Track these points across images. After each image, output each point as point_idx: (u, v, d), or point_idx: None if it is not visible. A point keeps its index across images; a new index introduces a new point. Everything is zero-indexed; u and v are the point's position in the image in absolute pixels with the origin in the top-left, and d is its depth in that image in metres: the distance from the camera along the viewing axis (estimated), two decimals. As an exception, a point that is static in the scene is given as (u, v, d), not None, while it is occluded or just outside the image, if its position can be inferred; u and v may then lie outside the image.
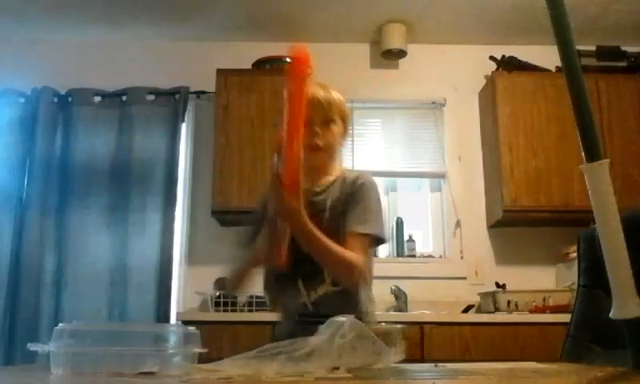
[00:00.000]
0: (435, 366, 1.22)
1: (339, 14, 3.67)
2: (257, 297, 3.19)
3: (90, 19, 3.72)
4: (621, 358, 1.03)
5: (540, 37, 3.50)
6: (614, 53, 3.67)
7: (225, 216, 3.48)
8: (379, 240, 1.64)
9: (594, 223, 0.96)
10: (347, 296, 1.61)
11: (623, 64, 3.66)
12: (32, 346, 0.90)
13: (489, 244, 3.72)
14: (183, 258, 3.66)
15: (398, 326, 1.13)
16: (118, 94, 3.77)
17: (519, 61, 3.69)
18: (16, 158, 3.65)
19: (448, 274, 3.66)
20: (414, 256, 3.68)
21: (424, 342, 2.93)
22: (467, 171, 3.82)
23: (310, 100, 1.56)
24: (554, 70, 3.60)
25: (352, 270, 1.53)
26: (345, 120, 1.71)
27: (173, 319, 3.44)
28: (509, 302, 3.19)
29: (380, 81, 3.91)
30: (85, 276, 3.47)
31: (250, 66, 3.67)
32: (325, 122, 1.64)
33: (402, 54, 3.83)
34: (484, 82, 3.82)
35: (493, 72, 3.69)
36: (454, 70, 3.94)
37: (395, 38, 3.77)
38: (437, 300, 3.47)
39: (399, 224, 3.71)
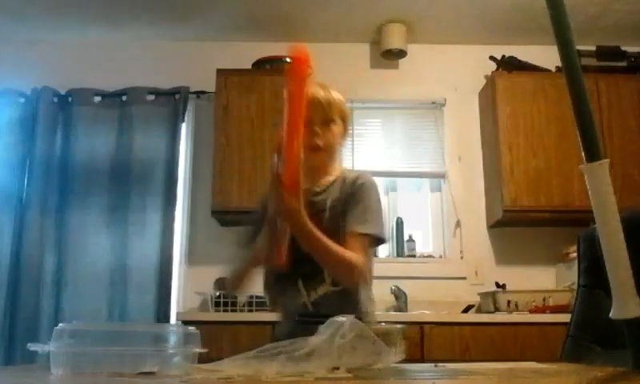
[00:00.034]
0: (435, 365, 1.22)
1: (339, 14, 3.67)
2: (257, 297, 3.19)
3: (90, 19, 3.72)
4: (621, 358, 1.03)
5: (540, 37, 3.50)
6: (614, 53, 3.67)
7: (225, 216, 3.48)
8: (379, 240, 1.64)
9: (594, 223, 0.96)
10: (347, 296, 1.61)
11: (623, 64, 3.66)
12: (32, 346, 0.90)
13: (489, 244, 3.72)
14: (183, 258, 3.66)
15: (398, 326, 1.13)
16: (118, 94, 3.77)
17: (519, 61, 3.69)
18: (16, 158, 3.65)
19: (448, 273, 3.66)
20: (414, 256, 3.68)
21: (424, 341, 2.93)
22: (467, 171, 3.82)
23: (310, 100, 1.56)
24: (554, 70, 3.60)
25: (352, 270, 1.53)
26: (345, 120, 1.71)
27: (173, 319, 3.44)
28: (509, 302, 3.19)
29: (380, 81, 3.91)
30: (85, 276, 3.47)
31: (250, 66, 3.67)
32: (325, 121, 1.64)
33: (401, 53, 3.83)
34: (484, 81, 3.82)
35: (493, 72, 3.70)
36: (454, 70, 3.94)
37: (395, 38, 3.77)
38: (437, 300, 3.47)
39: (399, 224, 3.72)
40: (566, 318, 1.74)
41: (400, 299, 3.39)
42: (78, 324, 0.93)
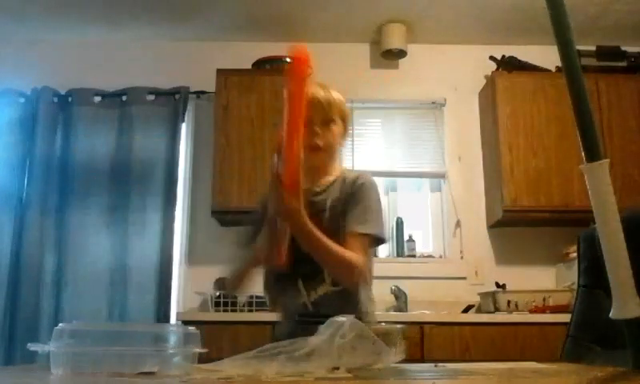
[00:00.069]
0: (435, 365, 1.22)
1: (339, 14, 3.67)
2: (257, 297, 3.19)
3: (90, 19, 3.72)
4: (621, 358, 1.03)
5: (540, 37, 3.50)
6: (614, 53, 3.67)
7: (225, 216, 3.48)
8: (379, 240, 1.64)
9: (594, 223, 0.96)
10: (347, 296, 1.61)
11: (623, 64, 3.66)
12: (32, 346, 0.90)
13: (489, 244, 3.72)
14: (183, 258, 3.66)
15: (398, 326, 1.13)
16: (118, 94, 3.77)
17: (519, 61, 3.69)
18: (16, 158, 3.65)
19: (448, 273, 3.66)
20: (414, 256, 3.68)
21: (424, 342, 2.93)
22: (467, 171, 3.82)
23: (310, 100, 1.56)
24: (554, 70, 3.60)
25: (352, 270, 1.53)
26: (345, 120, 1.71)
27: (173, 319, 3.44)
28: (509, 302, 3.19)
29: (380, 81, 3.91)
30: (85, 276, 3.47)
31: (250, 66, 3.67)
32: (325, 121, 1.64)
33: (401, 53, 3.83)
34: (484, 81, 3.82)
35: (493, 72, 3.70)
36: (454, 70, 3.94)
37: (395, 38, 3.77)
38: (437, 300, 3.47)
39: (399, 224, 3.71)
40: (566, 318, 1.74)
41: (400, 299, 3.39)
42: (78, 324, 0.93)
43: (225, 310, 3.17)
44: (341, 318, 1.00)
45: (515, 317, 3.06)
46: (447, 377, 1.03)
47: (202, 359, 0.97)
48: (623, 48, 3.70)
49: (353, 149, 3.81)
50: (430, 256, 3.76)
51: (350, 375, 0.90)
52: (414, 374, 1.06)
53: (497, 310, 3.20)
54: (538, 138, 3.50)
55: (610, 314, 0.95)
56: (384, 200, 3.80)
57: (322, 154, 1.65)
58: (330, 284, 1.60)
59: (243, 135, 3.48)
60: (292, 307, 1.67)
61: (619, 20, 3.67)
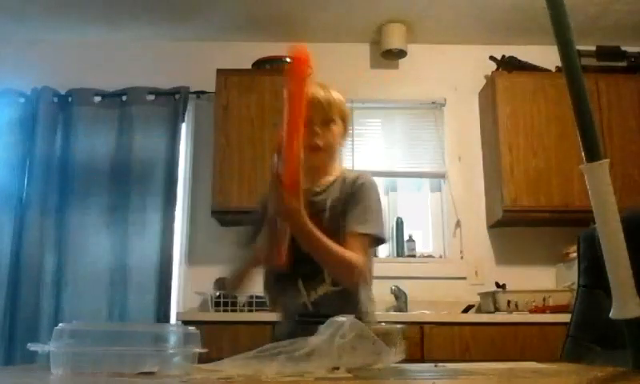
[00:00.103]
0: (435, 365, 1.22)
1: (339, 14, 3.67)
2: (257, 297, 3.19)
3: (90, 19, 3.72)
4: (621, 358, 1.03)
5: (540, 37, 3.50)
6: (614, 53, 3.67)
7: (225, 216, 3.48)
8: (379, 240, 1.64)
9: (594, 223, 0.96)
10: (347, 296, 1.61)
11: (623, 64, 3.66)
12: (32, 346, 0.90)
13: (489, 244, 3.72)
14: (183, 258, 3.66)
15: (398, 326, 1.13)
16: (118, 94, 3.77)
17: (519, 61, 3.69)
18: (16, 158, 3.65)
19: (448, 273, 3.66)
20: (414, 256, 3.68)
21: (424, 342, 2.93)
22: (467, 171, 3.81)
23: (310, 100, 1.56)
24: (554, 70, 3.60)
25: (352, 270, 1.53)
26: (345, 120, 1.71)
27: (173, 319, 3.44)
28: (509, 302, 3.19)
29: (380, 81, 3.91)
30: (85, 276, 3.47)
31: (250, 66, 3.67)
32: (325, 122, 1.64)
33: (401, 53, 3.83)
34: (484, 81, 3.82)
35: (493, 72, 3.69)
36: (454, 70, 3.94)
37: (395, 38, 3.77)
38: (437, 300, 3.47)
39: (399, 224, 3.71)
40: (566, 318, 1.74)
41: (400, 299, 3.39)
42: (78, 324, 0.93)
43: (225, 310, 3.17)
44: (341, 318, 1.00)
45: (515, 317, 3.06)
46: (447, 377, 1.03)
47: (202, 359, 0.97)
48: (623, 48, 3.70)
49: (353, 149, 3.81)
50: (430, 256, 3.76)
51: (349, 375, 0.90)
52: (414, 373, 1.06)
53: (497, 309, 3.20)
54: (538, 138, 3.50)
55: (610, 314, 0.95)
56: (384, 200, 3.80)
57: (321, 154, 1.65)
58: (329, 284, 1.60)
59: (243, 135, 3.48)
60: (292, 307, 1.67)
61: (619, 20, 3.67)
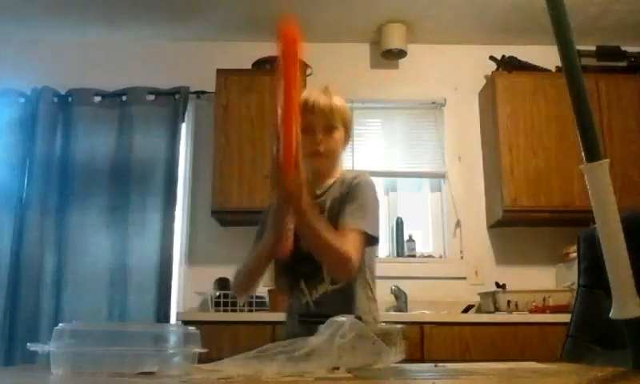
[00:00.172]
0: (435, 365, 1.22)
1: (339, 14, 3.67)
2: (257, 297, 3.19)
3: (90, 19, 3.72)
4: (621, 358, 1.04)
5: (540, 37, 3.50)
6: (614, 53, 3.67)
7: (225, 216, 3.49)
8: (373, 238, 1.64)
9: (594, 223, 0.96)
10: (346, 294, 1.62)
11: (623, 64, 3.66)
12: (32, 346, 0.90)
13: (489, 244, 3.72)
14: (183, 258, 3.65)
15: (398, 326, 1.13)
16: (118, 94, 3.77)
17: (519, 61, 3.69)
18: (16, 158, 3.65)
19: (448, 273, 3.66)
20: (414, 256, 3.68)
21: (424, 342, 2.93)
22: (467, 171, 3.81)
23: (312, 107, 1.60)
24: (554, 70, 3.60)
25: (345, 263, 1.52)
26: (347, 126, 1.73)
27: (173, 319, 3.44)
28: (509, 302, 3.18)
29: (380, 81, 3.91)
30: (85, 276, 3.47)
31: (250, 66, 3.67)
32: (327, 128, 1.66)
33: (401, 53, 3.83)
34: (484, 81, 3.82)
35: (493, 72, 3.69)
36: (454, 70, 3.94)
37: (395, 38, 3.77)
38: (437, 300, 3.47)
39: (399, 224, 3.71)
40: (566, 318, 1.74)
41: (400, 299, 3.39)
42: (78, 324, 0.93)
43: (225, 310, 3.17)
44: (341, 318, 1.00)
45: (515, 317, 3.06)
46: (447, 377, 1.03)
47: (202, 359, 0.97)
48: (623, 48, 3.70)
49: (353, 149, 3.81)
50: (430, 256, 3.76)
51: (349, 375, 0.90)
52: (414, 373, 1.06)
53: (497, 309, 3.20)
54: (538, 138, 3.50)
55: (610, 314, 0.95)
56: (384, 200, 3.81)
57: (323, 159, 1.67)
58: (329, 283, 1.62)
59: (243, 135, 3.48)
60: (295, 307, 1.69)
61: (619, 20, 3.67)
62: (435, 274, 3.64)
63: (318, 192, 1.70)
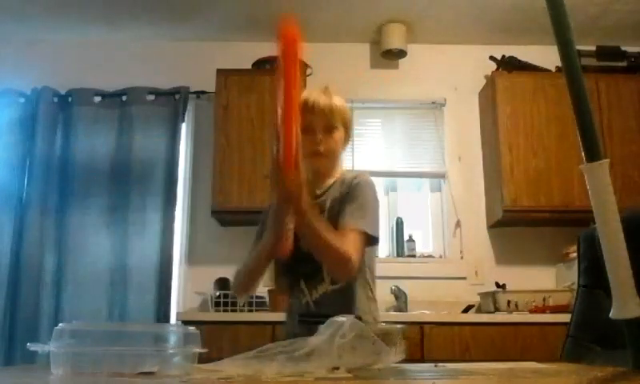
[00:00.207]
0: (435, 365, 1.22)
1: (339, 14, 3.67)
2: (257, 297, 3.19)
3: (90, 19, 3.72)
4: (621, 358, 1.03)
5: (540, 37, 3.50)
6: (614, 53, 3.67)
7: (225, 216, 3.48)
8: (373, 238, 1.64)
9: (594, 223, 0.96)
10: (346, 294, 1.62)
11: (623, 64, 3.66)
12: (32, 346, 0.90)
13: (489, 244, 3.72)
14: (183, 258, 3.65)
15: (398, 326, 1.13)
16: (118, 94, 3.77)
17: (519, 61, 3.69)
18: (16, 158, 3.65)
19: (448, 273, 3.66)
20: (414, 256, 3.68)
21: (424, 342, 2.93)
22: (467, 171, 3.81)
23: (312, 107, 1.60)
24: (554, 70, 3.60)
25: (345, 263, 1.52)
26: (347, 126, 1.73)
27: (173, 319, 3.44)
28: (509, 302, 3.18)
29: (380, 81, 3.91)
30: (85, 276, 3.47)
31: (250, 66, 3.67)
32: (327, 128, 1.66)
33: (401, 53, 3.83)
34: (484, 81, 3.82)
35: (493, 72, 3.69)
36: (454, 70, 3.94)
37: (395, 38, 3.77)
38: (437, 300, 3.47)
39: (399, 224, 3.71)
40: (566, 318, 1.74)
41: (400, 299, 3.39)
42: (78, 324, 0.93)
43: (225, 310, 3.16)
44: (341, 318, 1.00)
45: (515, 317, 3.06)
46: (447, 377, 1.03)
47: (202, 359, 0.97)
48: (623, 48, 3.70)
49: (353, 149, 3.81)
50: (430, 256, 3.76)
51: (349, 375, 0.90)
52: (414, 373, 1.06)
53: (497, 309, 3.20)
54: (538, 138, 3.50)
55: (610, 314, 0.95)
56: (384, 200, 3.81)
57: (323, 159, 1.68)
58: (329, 283, 1.63)
59: (243, 135, 3.48)
60: (295, 307, 1.69)
61: (619, 20, 3.67)
62: (435, 274, 3.64)
63: (318, 192, 1.70)
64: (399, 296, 3.39)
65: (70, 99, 3.76)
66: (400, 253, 3.68)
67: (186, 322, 2.94)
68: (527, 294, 3.20)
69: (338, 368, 0.93)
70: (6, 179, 3.62)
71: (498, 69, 3.69)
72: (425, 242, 3.81)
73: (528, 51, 3.73)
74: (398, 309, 3.36)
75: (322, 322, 1.02)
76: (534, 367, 1.20)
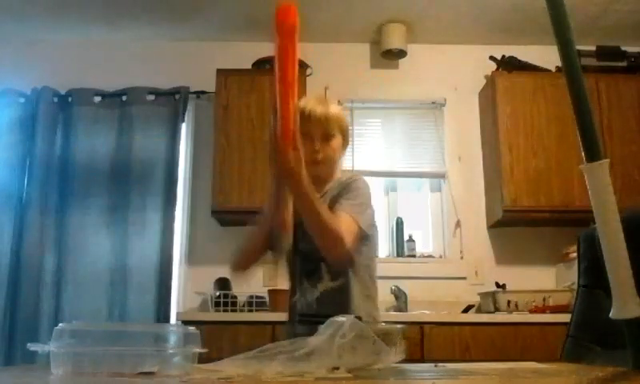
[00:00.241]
0: (435, 365, 1.22)
1: (339, 14, 3.67)
2: (257, 297, 3.19)
3: (90, 19, 3.72)
4: (621, 358, 1.03)
5: (540, 37, 3.50)
6: (614, 53, 3.67)
7: (225, 216, 3.48)
8: (363, 232, 1.64)
9: (594, 223, 0.96)
10: (346, 293, 1.64)
11: (623, 64, 3.66)
12: (32, 346, 0.90)
13: (489, 244, 3.72)
14: (183, 258, 3.65)
15: (398, 326, 1.13)
16: (118, 94, 3.77)
17: (519, 61, 3.69)
18: (16, 158, 3.65)
19: (448, 273, 3.66)
20: (414, 256, 3.68)
21: (424, 342, 2.93)
22: (467, 171, 3.81)
23: (309, 116, 1.63)
24: (554, 70, 3.60)
25: (338, 241, 1.52)
26: (344, 133, 1.76)
27: (173, 319, 3.44)
28: (509, 302, 3.18)
29: (380, 81, 3.91)
30: (85, 276, 3.47)
31: (250, 66, 3.67)
32: (324, 136, 1.69)
33: (401, 53, 3.83)
34: (484, 81, 3.82)
35: (493, 72, 3.69)
36: (454, 70, 3.94)
37: (395, 38, 3.77)
38: (437, 300, 3.47)
39: (399, 224, 3.71)
40: (566, 318, 1.74)
41: (400, 299, 3.39)
42: (78, 324, 0.93)
43: (225, 310, 3.17)
44: (341, 318, 1.00)
45: (515, 317, 3.06)
46: (447, 377, 1.03)
47: (202, 359, 0.97)
48: (623, 48, 3.70)
49: (353, 149, 3.80)
50: (430, 256, 3.76)
51: (349, 375, 0.90)
52: (413, 374, 1.06)
53: (497, 309, 3.20)
54: (538, 138, 3.50)
55: (610, 314, 0.95)
56: (384, 200, 3.81)
57: (322, 166, 1.70)
58: (328, 279, 1.64)
59: (243, 135, 3.48)
60: (296, 307, 1.71)
61: (619, 20, 3.67)
62: (435, 274, 3.64)
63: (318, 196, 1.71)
64: (399, 296, 3.39)
65: (70, 99, 3.76)
66: (400, 253, 3.68)
67: (186, 322, 2.94)
68: (527, 293, 3.20)
69: (338, 368, 0.93)
70: (6, 179, 3.62)
71: (498, 69, 3.69)
72: (425, 242, 3.81)
73: (528, 51, 3.73)
74: (398, 309, 3.36)
75: (322, 322, 1.02)
76: (534, 367, 1.20)
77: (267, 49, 3.76)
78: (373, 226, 1.72)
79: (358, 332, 0.98)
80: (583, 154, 0.96)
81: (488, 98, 3.71)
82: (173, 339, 0.98)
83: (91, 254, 3.51)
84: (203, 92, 3.78)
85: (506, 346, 2.92)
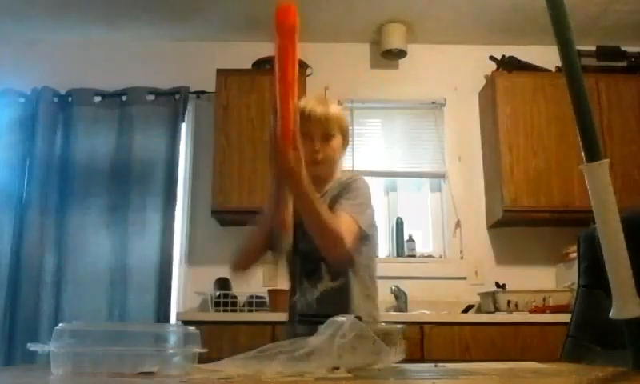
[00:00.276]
0: (435, 365, 1.22)
1: (339, 14, 3.67)
2: (257, 297, 3.19)
3: (90, 19, 3.72)
4: (621, 358, 1.03)
5: (540, 37, 3.50)
6: (614, 53, 3.67)
7: (225, 216, 3.48)
8: (363, 231, 1.64)
9: (594, 223, 0.96)
10: (346, 293, 1.64)
11: (623, 64, 3.66)
12: (32, 346, 0.90)
13: (489, 244, 3.72)
14: (183, 258, 3.65)
15: (398, 326, 1.13)
16: (118, 94, 3.77)
17: (519, 61, 3.69)
18: (16, 158, 3.65)
19: (448, 273, 3.66)
20: (414, 256, 3.68)
21: (424, 342, 2.93)
22: (467, 171, 3.81)
23: (309, 116, 1.63)
24: (554, 70, 3.60)
25: (338, 241, 1.53)
26: (344, 133, 1.76)
27: (173, 319, 3.44)
28: (509, 301, 3.18)
29: (380, 81, 3.91)
30: (85, 276, 3.47)
31: (250, 66, 3.67)
32: (324, 137, 1.69)
33: (401, 53, 3.83)
34: (484, 81, 3.82)
35: (493, 72, 3.69)
36: (454, 70, 3.94)
37: (395, 38, 3.77)
38: (437, 300, 3.47)
39: (399, 224, 3.71)
40: (566, 318, 1.74)
41: (400, 299, 3.39)
42: (78, 324, 0.93)
43: (225, 310, 3.17)
44: (341, 318, 1.00)
45: (515, 317, 3.06)
46: (447, 377, 1.03)
47: (202, 359, 0.97)
48: (623, 48, 3.70)
49: (353, 149, 3.80)
50: (430, 256, 3.76)
51: (349, 375, 0.90)
52: (413, 374, 1.06)
53: (497, 309, 3.20)
54: (538, 138, 3.50)
55: (610, 314, 0.95)
56: (384, 200, 3.81)
57: (322, 167, 1.70)
58: (328, 279, 1.64)
59: (243, 135, 3.48)
60: (296, 307, 1.70)
61: (619, 20, 3.67)
62: (435, 274, 3.64)
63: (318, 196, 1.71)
64: (399, 296, 3.39)
65: (70, 99, 3.76)
66: (400, 253, 3.68)
67: (186, 322, 2.94)
68: (527, 293, 3.20)
69: (338, 368, 0.93)
70: (6, 179, 3.62)
71: (497, 69, 3.69)
72: (425, 242, 3.81)
73: (528, 51, 3.73)
74: (398, 309, 3.36)
75: (322, 322, 1.02)
76: (534, 367, 1.20)
77: (267, 49, 3.76)
78: (373, 225, 1.72)
79: (358, 332, 0.98)
80: (583, 154, 0.96)
81: (488, 97, 3.71)
82: (173, 339, 0.98)
83: (91, 254, 3.51)
84: (203, 92, 3.78)
85: (506, 346, 2.92)
